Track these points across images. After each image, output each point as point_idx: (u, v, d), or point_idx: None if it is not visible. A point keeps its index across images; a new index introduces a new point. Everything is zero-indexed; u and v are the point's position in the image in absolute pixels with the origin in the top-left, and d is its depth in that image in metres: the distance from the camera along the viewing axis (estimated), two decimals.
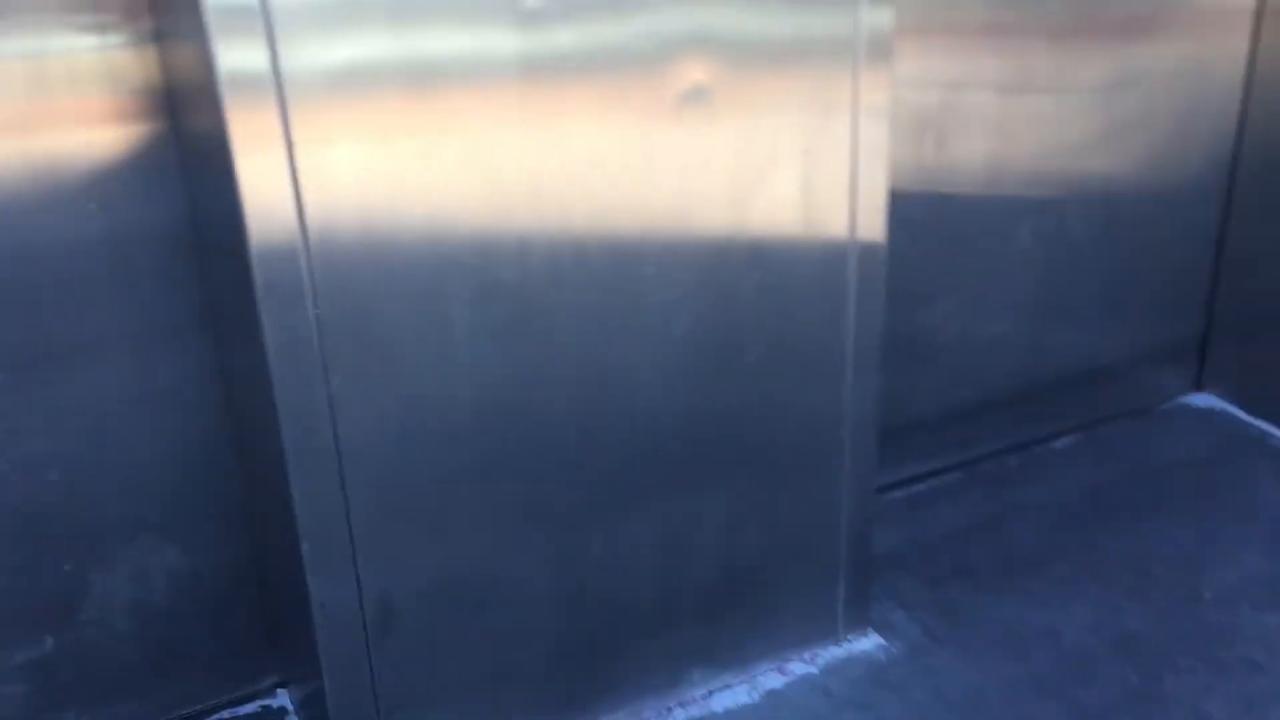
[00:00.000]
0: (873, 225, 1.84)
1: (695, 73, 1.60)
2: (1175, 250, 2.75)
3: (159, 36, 1.58)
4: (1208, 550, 2.36)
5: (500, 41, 1.47)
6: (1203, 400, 2.89)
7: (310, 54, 1.38)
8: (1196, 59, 2.57)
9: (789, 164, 1.73)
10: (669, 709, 1.96)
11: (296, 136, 1.39)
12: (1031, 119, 2.43)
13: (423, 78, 1.44)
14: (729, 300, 1.75)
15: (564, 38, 1.51)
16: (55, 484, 1.73)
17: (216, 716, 1.95)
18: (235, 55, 1.34)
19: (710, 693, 1.99)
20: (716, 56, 1.61)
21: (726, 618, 1.97)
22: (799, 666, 2.06)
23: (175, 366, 1.76)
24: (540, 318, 1.62)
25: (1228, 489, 2.56)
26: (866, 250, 1.85)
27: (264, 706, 1.97)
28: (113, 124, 1.61)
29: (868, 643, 2.12)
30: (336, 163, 1.43)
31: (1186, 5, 2.51)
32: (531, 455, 1.69)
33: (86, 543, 1.78)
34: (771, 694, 2.01)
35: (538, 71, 1.51)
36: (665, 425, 1.78)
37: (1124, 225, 2.64)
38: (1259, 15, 2.58)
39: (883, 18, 1.72)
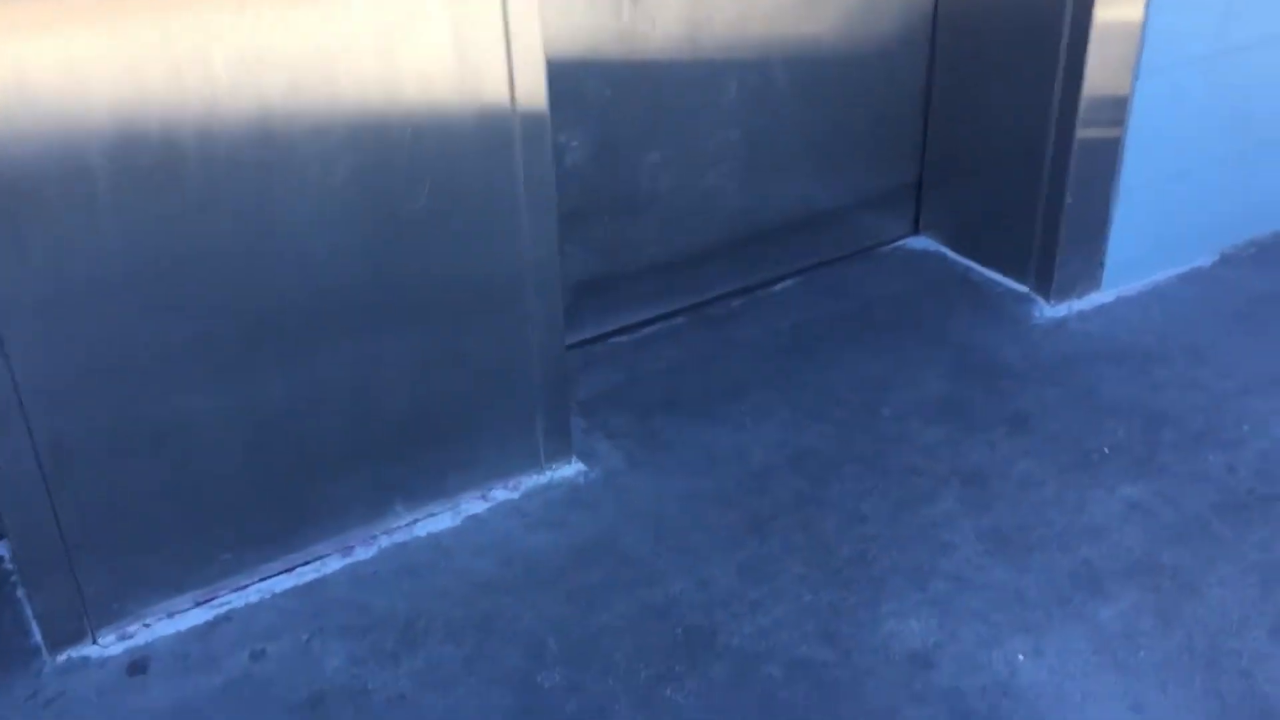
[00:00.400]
0: (532, 84, 1.95)
1: None
2: (887, 103, 2.92)
3: None
4: (895, 375, 2.60)
5: None
6: (919, 242, 3.12)
7: None
8: None
9: (437, 19, 1.82)
10: (374, 537, 2.12)
11: None
12: None
13: None
14: (386, 151, 1.86)
15: None
16: None
17: None
18: None
19: (416, 521, 2.16)
20: None
21: (426, 453, 2.13)
22: (501, 493, 2.24)
23: None
24: (191, 173, 1.71)
25: (925, 321, 2.79)
26: (527, 108, 1.96)
27: None
28: None
29: (570, 470, 2.30)
30: None
31: None
32: (199, 303, 1.79)
33: None
34: (472, 518, 2.19)
35: None
36: (336, 273, 1.90)
37: (832, 80, 2.80)
38: None
39: None
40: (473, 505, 2.21)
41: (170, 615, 1.95)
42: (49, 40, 1.55)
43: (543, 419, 2.24)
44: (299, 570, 2.05)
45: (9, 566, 2.06)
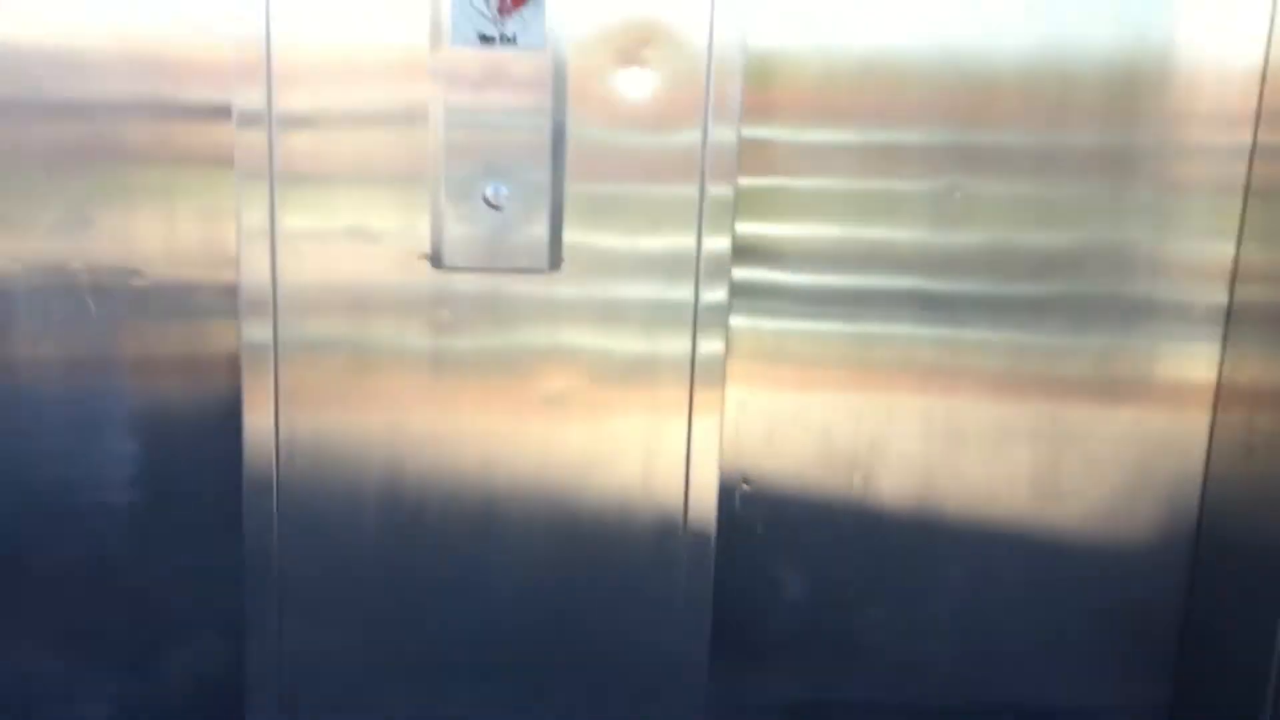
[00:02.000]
0: (704, 515, 2.47)
1: (556, 381, 2.40)
2: (1134, 612, 2.98)
3: None
4: None
5: (418, 339, 2.37)
6: None
7: (297, 330, 2.35)
8: (1150, 424, 2.85)
9: (631, 456, 2.44)
10: None
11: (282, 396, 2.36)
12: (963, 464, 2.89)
13: (361, 354, 2.36)
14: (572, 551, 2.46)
15: (462, 344, 2.38)
16: None
17: None
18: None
19: None
20: (574, 369, 2.40)
21: None
22: None
23: None
24: (425, 532, 2.42)
25: None
26: (697, 539, 2.47)
27: None
28: None
29: None
30: (303, 413, 2.38)
31: (1146, 377, 2.80)
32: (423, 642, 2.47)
33: None
34: None
35: (443, 365, 2.38)
36: (520, 640, 2.48)
37: (1066, 580, 2.95)
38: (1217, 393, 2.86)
39: (716, 346, 2.38)
40: None
41: None
42: (356, 431, 2.39)
43: None
44: None
45: None
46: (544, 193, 2.29)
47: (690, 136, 2.29)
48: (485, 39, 2.23)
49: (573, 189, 2.30)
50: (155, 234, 2.49)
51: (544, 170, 2.28)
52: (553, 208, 2.30)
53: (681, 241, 2.34)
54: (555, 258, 2.33)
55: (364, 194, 2.29)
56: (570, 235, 2.33)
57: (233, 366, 2.39)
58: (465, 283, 2.34)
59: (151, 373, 2.55)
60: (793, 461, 2.79)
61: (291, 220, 2.28)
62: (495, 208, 2.29)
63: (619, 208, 2.32)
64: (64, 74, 2.39)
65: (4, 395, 2.55)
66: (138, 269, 2.49)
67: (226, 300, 2.41)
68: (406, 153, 2.27)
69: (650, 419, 2.42)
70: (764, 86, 2.48)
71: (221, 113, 2.29)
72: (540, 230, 2.30)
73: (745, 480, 2.75)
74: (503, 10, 2.22)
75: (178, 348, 2.56)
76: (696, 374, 2.41)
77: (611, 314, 2.37)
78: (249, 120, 2.23)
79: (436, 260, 2.31)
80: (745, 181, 2.42)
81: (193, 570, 2.65)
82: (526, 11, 2.22)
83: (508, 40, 2.23)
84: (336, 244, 2.29)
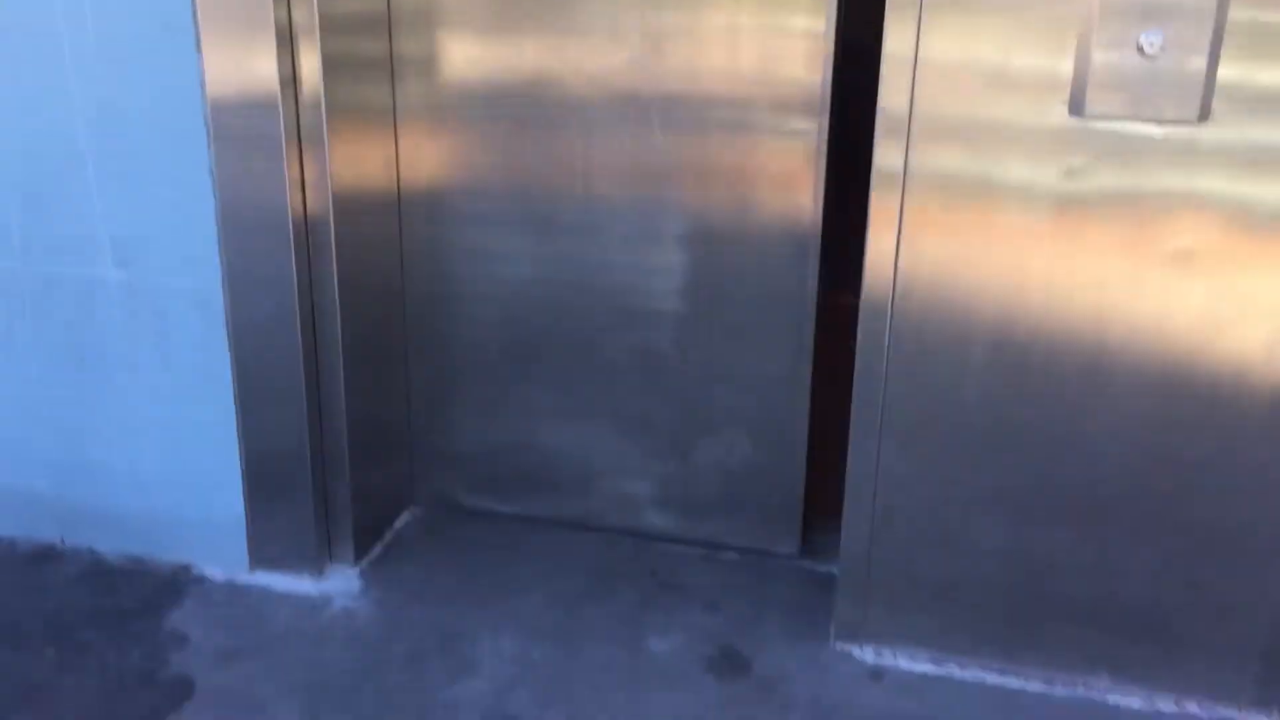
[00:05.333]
0: None
1: (1185, 235, 2.32)
2: None
3: None
4: None
5: (1045, 181, 2.35)
6: None
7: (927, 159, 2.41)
8: None
9: (1256, 320, 2.33)
10: (1074, 686, 2.65)
11: (905, 222, 2.45)
12: None
13: (986, 190, 2.39)
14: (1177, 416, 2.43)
15: (1089, 190, 2.34)
16: None
17: None
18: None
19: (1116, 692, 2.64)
20: (1207, 222, 2.31)
21: (1147, 641, 2.58)
22: (1193, 709, 2.59)
23: None
24: (1030, 376, 2.48)
25: None
26: None
27: None
28: None
29: None
30: (923, 242, 2.45)
31: None
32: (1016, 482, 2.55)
33: None
34: (1158, 714, 2.58)
35: (1068, 211, 2.37)
36: (1118, 498, 2.51)
37: None
38: None
39: None
40: (1165, 706, 2.60)
41: (910, 658, 2.73)
42: (979, 268, 2.45)
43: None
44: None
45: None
46: (1203, 41, 2.18)
47: None
48: None
49: (1234, 28, 2.20)
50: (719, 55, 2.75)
51: (1207, 15, 2.17)
52: (1210, 57, 2.19)
53: None
54: (1205, 109, 2.24)
55: (1008, 29, 2.30)
56: (1224, 75, 2.22)
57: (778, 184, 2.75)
58: (1101, 129, 2.30)
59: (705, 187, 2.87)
60: None
61: (933, 50, 2.33)
62: (1148, 57, 2.22)
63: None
64: None
65: (579, 202, 2.93)
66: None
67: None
68: None
69: None
70: None
71: None
72: (1194, 82, 2.22)
73: None
74: None
75: (730, 163, 2.82)
76: None
77: (1259, 160, 2.26)
78: None
79: (1077, 108, 2.29)
80: None
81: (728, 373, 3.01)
82: None
83: None
84: (974, 78, 2.33)
